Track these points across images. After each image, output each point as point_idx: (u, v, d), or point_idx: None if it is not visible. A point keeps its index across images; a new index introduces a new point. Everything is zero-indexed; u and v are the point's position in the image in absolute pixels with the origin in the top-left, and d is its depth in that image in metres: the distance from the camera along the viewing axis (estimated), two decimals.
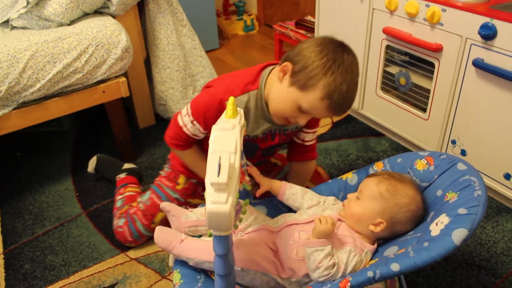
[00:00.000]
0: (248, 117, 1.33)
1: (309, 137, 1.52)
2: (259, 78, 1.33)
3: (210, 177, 0.88)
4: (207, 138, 1.25)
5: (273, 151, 1.57)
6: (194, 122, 1.37)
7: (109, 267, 1.55)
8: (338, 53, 1.19)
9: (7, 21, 1.82)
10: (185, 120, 1.39)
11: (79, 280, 1.51)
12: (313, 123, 1.48)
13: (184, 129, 1.40)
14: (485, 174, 1.74)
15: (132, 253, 1.60)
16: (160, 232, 1.27)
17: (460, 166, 1.18)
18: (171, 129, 1.45)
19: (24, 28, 1.80)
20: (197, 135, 1.41)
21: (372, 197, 1.20)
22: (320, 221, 1.13)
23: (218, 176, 0.87)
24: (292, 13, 3.37)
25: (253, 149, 1.44)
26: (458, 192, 1.11)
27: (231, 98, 1.05)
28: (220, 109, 1.27)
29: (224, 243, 0.94)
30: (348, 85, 1.18)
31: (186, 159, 1.52)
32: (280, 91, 1.25)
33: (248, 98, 1.31)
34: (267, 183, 1.39)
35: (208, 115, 1.33)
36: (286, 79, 1.23)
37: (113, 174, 1.89)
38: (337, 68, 1.17)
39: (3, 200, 1.88)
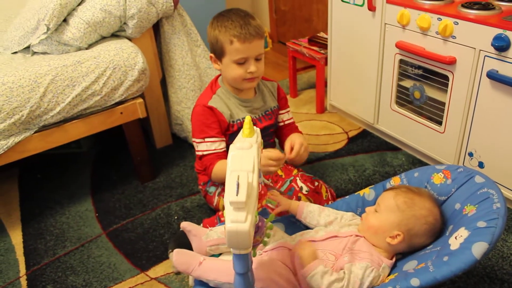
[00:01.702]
0: (228, 107, 1.63)
1: (285, 117, 1.82)
2: (218, 81, 1.70)
3: (229, 196, 0.89)
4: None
5: (266, 133, 1.74)
6: (206, 139, 1.59)
7: (130, 287, 1.56)
8: (218, 15, 1.58)
9: (28, 47, 1.87)
10: (201, 147, 1.61)
11: None
12: (283, 102, 1.80)
13: (206, 152, 1.60)
14: (504, 186, 1.72)
15: (152, 273, 1.61)
16: (178, 256, 1.27)
17: (478, 179, 1.18)
18: (204, 166, 1.62)
19: (44, 53, 1.85)
20: (218, 147, 1.60)
21: (390, 209, 1.20)
22: (300, 248, 1.20)
23: (237, 195, 0.88)
24: (305, 30, 3.40)
25: None
26: (476, 205, 1.11)
27: (248, 117, 1.07)
28: (209, 111, 1.60)
29: (244, 261, 0.95)
30: (235, 17, 1.52)
31: (222, 171, 1.55)
32: (222, 71, 1.62)
33: (217, 94, 1.65)
34: (286, 203, 1.42)
35: (207, 122, 1.60)
36: (217, 63, 1.61)
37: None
38: (220, 22, 1.53)
39: (25, 222, 1.91)
